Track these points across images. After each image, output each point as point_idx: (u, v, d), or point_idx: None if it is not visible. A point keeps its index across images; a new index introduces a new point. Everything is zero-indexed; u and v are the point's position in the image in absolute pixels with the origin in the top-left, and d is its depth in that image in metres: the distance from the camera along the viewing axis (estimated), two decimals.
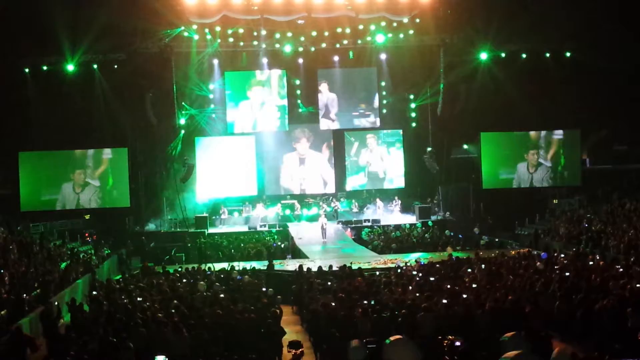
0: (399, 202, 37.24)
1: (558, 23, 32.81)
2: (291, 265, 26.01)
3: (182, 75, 35.26)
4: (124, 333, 13.04)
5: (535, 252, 24.90)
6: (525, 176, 36.63)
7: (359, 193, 38.28)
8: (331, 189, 38.06)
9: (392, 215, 36.34)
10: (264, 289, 20.01)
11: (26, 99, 33.27)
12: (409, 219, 35.47)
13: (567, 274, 18.28)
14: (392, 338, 8.91)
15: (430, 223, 34.15)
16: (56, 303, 17.81)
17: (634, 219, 27.53)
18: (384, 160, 38.31)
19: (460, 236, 32.23)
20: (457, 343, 9.74)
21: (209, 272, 23.12)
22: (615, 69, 32.08)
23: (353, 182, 38.33)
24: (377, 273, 22.43)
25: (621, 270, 18.64)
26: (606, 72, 32.53)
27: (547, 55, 35.65)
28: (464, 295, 15.96)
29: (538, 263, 21.69)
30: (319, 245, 31.46)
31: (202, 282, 19.30)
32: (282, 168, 37.96)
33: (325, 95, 37.81)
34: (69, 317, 17.18)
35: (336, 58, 37.21)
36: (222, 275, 22.18)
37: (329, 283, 19.71)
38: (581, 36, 33.40)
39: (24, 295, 18.19)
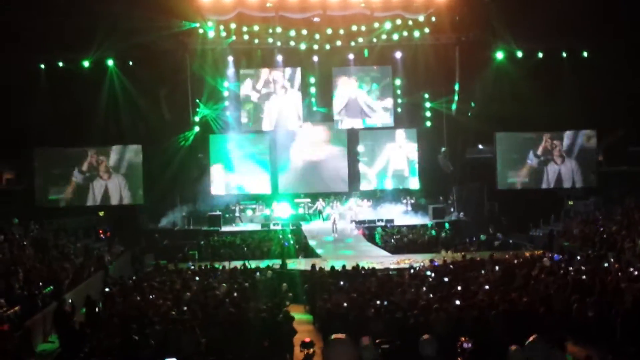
0: (411, 201, 37.13)
1: (574, 22, 32.50)
2: (304, 264, 26.02)
3: (197, 72, 35.31)
4: (144, 330, 13.09)
5: (549, 255, 24.74)
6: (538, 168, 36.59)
7: (373, 192, 38.10)
8: (345, 188, 37.91)
9: (406, 215, 36.24)
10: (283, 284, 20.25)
11: (41, 95, 33.35)
12: (423, 219, 35.35)
13: (582, 276, 18.16)
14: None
15: (447, 225, 34.01)
16: (70, 300, 17.86)
17: None
18: (409, 159, 38.08)
19: (473, 239, 32.17)
20: (468, 344, 9.65)
21: (221, 270, 23.17)
22: (632, 70, 31.83)
23: (368, 183, 38.17)
24: (390, 273, 22.34)
25: (636, 273, 18.50)
26: (622, 73, 32.28)
27: (564, 54, 35.45)
28: (478, 297, 15.89)
29: (545, 259, 21.64)
30: (329, 238, 31.60)
31: (224, 284, 19.18)
32: (295, 166, 37.82)
33: (351, 91, 37.77)
34: (84, 313, 17.25)
35: (351, 56, 37.10)
36: (235, 274, 22.20)
37: (342, 283, 19.68)
38: (598, 36, 33.11)
39: (37, 291, 18.30)
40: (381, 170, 38.00)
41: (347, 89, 37.69)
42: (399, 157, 37.99)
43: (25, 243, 25.15)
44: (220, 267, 23.88)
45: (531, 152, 36.56)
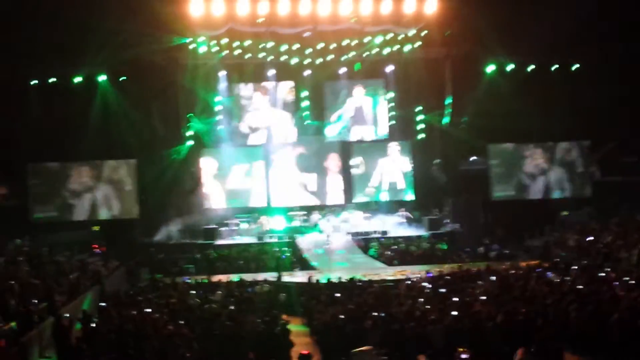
0: (405, 213, 37.15)
1: (565, 36, 32.72)
2: (300, 276, 26.00)
3: (189, 87, 35.32)
4: (140, 345, 13.06)
5: (545, 265, 24.79)
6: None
7: (368, 204, 38.06)
8: (340, 201, 37.90)
9: (401, 227, 36.26)
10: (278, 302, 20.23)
11: (33, 111, 33.29)
12: (419, 230, 35.37)
13: (579, 286, 18.17)
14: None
15: (444, 246, 33.91)
16: (67, 315, 17.77)
17: None
18: (403, 171, 38.09)
19: (468, 249, 32.22)
20: (465, 355, 9.69)
21: (217, 284, 23.16)
22: (625, 81, 32.06)
23: (362, 196, 38.14)
24: (387, 285, 22.33)
25: (632, 282, 18.51)
26: (615, 84, 32.49)
27: (555, 67, 35.66)
28: (475, 308, 15.90)
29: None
30: (324, 250, 31.66)
31: (218, 292, 19.15)
32: (289, 179, 37.77)
33: (359, 101, 37.99)
34: (80, 328, 17.16)
35: (342, 70, 37.23)
36: (231, 287, 22.18)
37: (338, 295, 19.67)
38: (588, 49, 33.34)
39: (33, 307, 18.19)
40: (376, 182, 37.95)
41: (358, 98, 38.00)
42: (393, 170, 37.97)
43: (20, 258, 25.02)
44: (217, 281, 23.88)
45: (521, 165, 36.84)
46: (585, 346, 13.78)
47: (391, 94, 37.88)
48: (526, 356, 9.03)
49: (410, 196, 37.88)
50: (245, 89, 37.66)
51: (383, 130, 38.37)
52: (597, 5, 30.37)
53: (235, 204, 37.20)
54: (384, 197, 37.98)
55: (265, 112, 37.60)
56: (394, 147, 38.10)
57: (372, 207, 37.86)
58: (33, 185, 34.52)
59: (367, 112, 38.25)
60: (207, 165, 37.09)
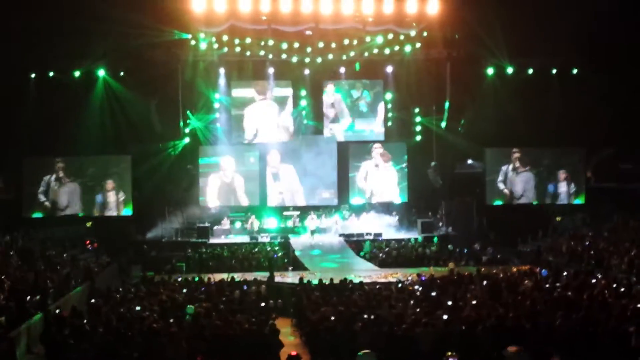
0: (397, 216, 37.15)
1: (565, 40, 32.77)
2: (291, 277, 25.99)
3: (188, 83, 35.30)
4: (128, 342, 13.03)
5: (537, 269, 24.80)
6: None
7: (361, 206, 38.03)
8: (334, 202, 37.90)
9: (395, 229, 36.27)
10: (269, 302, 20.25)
11: (31, 104, 33.21)
12: (412, 233, 35.37)
13: (569, 292, 18.17)
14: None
15: (435, 239, 34.02)
16: (57, 310, 17.74)
17: (636, 238, 27.39)
18: (391, 174, 38.08)
19: (465, 250, 32.30)
20: (454, 359, 9.67)
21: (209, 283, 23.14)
22: (622, 88, 32.10)
23: (358, 197, 38.09)
24: (378, 287, 22.31)
25: (623, 289, 18.52)
26: (613, 90, 32.55)
27: (554, 71, 35.71)
28: (465, 311, 15.89)
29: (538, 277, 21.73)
30: (317, 251, 31.96)
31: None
32: (284, 179, 37.75)
33: (332, 97, 37.99)
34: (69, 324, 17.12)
35: (342, 69, 37.22)
36: (222, 286, 22.15)
37: (329, 296, 19.64)
38: (588, 54, 33.37)
39: (23, 302, 18.16)
40: (370, 183, 37.95)
41: (334, 94, 38.06)
42: (388, 171, 37.97)
43: (11, 253, 25.00)
44: (207, 279, 23.84)
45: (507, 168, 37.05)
46: (574, 352, 13.75)
47: (389, 95, 37.87)
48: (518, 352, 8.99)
49: (404, 198, 37.85)
50: (244, 87, 37.59)
51: (379, 130, 38.33)
52: (598, 11, 30.37)
53: (230, 202, 37.14)
54: (378, 198, 37.94)
55: (263, 110, 37.53)
56: (390, 148, 38.07)
57: (365, 209, 37.86)
58: (29, 178, 34.47)
59: (337, 109, 38.19)
60: (203, 162, 37.00)
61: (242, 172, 37.15)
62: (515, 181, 36.97)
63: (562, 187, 36.97)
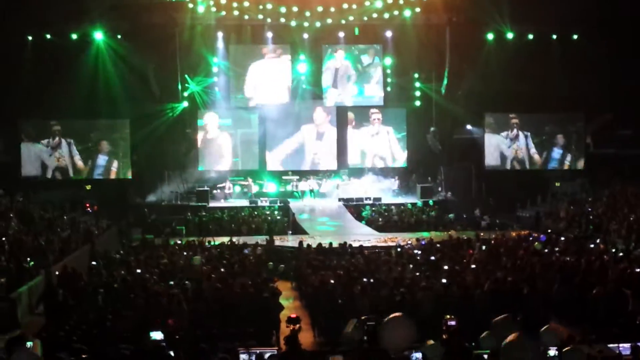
0: (398, 181, 37.19)
1: (565, 5, 32.46)
2: (291, 241, 26.09)
3: (186, 47, 34.99)
4: (128, 303, 13.13)
5: (535, 235, 24.93)
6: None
7: (360, 170, 38.04)
8: (333, 166, 37.88)
9: (394, 194, 36.34)
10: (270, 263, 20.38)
11: (28, 67, 32.97)
12: (411, 198, 35.43)
13: (567, 257, 18.28)
14: (390, 316, 8.95)
15: (431, 202, 34.07)
16: (57, 272, 17.82)
17: (635, 204, 27.49)
18: (390, 139, 38.03)
19: (464, 216, 32.38)
20: (452, 322, 9.77)
21: (209, 246, 23.24)
22: (622, 53, 31.94)
23: (354, 159, 38.12)
24: (377, 251, 22.42)
25: (621, 254, 18.63)
26: (613, 56, 32.38)
27: (554, 37, 35.46)
28: (463, 276, 15.99)
29: (536, 243, 21.81)
30: (317, 216, 32.13)
31: (196, 257, 19.13)
32: (284, 143, 37.68)
33: (339, 61, 37.70)
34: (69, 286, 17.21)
35: (341, 34, 36.91)
36: (222, 249, 22.24)
37: (329, 260, 19.74)
38: (588, 19, 33.10)
39: (24, 263, 18.23)
40: (370, 148, 37.93)
41: (336, 59, 37.68)
42: (388, 136, 37.92)
43: (11, 215, 25.02)
44: (207, 243, 23.95)
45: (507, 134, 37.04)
46: (571, 317, 13.86)
47: (389, 59, 37.60)
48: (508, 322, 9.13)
49: (403, 162, 37.90)
50: (242, 51, 37.31)
51: (376, 94, 38.13)
52: None
53: (230, 166, 37.13)
54: (378, 163, 37.96)
55: (262, 75, 37.29)
56: (389, 113, 38.03)
57: (364, 173, 37.84)
58: (27, 140, 34.46)
59: (344, 74, 37.89)
60: (202, 126, 36.91)
61: (240, 136, 37.06)
62: (514, 147, 36.95)
63: (561, 153, 36.97)
